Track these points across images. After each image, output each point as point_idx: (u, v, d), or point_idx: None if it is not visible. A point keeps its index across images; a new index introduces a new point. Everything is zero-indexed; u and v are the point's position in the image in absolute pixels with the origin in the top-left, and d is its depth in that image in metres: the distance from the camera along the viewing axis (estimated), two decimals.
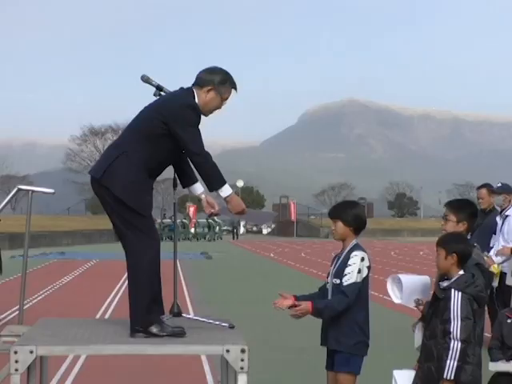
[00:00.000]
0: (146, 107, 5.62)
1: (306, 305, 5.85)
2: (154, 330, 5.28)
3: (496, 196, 11.15)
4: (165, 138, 5.40)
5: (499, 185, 11.17)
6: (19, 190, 8.99)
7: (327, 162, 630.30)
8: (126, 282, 5.67)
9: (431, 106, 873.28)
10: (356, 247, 5.90)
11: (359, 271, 5.78)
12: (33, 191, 8.64)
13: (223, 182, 5.39)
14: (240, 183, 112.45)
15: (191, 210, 75.86)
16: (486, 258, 8.64)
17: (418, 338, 5.84)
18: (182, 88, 5.60)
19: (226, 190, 5.40)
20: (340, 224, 5.95)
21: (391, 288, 6.03)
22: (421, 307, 5.74)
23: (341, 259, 5.92)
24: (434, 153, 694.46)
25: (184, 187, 5.88)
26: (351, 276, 5.77)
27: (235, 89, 5.66)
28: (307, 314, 5.86)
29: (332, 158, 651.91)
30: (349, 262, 5.82)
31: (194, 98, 5.50)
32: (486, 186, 11.45)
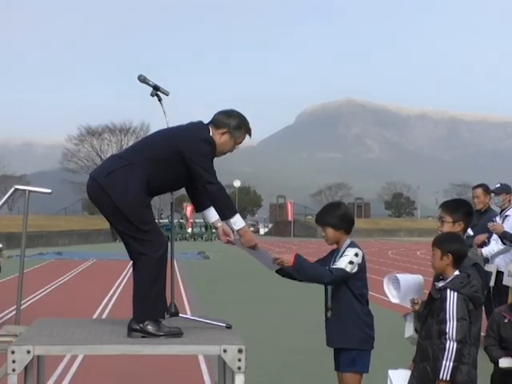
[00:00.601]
0: (161, 131, 5.72)
1: (289, 256, 5.83)
2: (150, 329, 5.29)
3: (495, 196, 11.17)
4: (174, 163, 5.47)
5: (498, 185, 11.19)
6: (16, 189, 8.98)
7: (324, 162, 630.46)
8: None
9: (428, 106, 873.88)
10: (352, 245, 5.94)
11: (350, 262, 5.80)
12: (30, 191, 8.64)
13: (235, 212, 5.50)
14: (237, 183, 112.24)
15: (188, 209, 75.78)
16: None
17: (408, 328, 5.85)
18: (200, 121, 5.69)
19: (238, 223, 5.52)
20: (330, 230, 5.97)
21: (387, 287, 6.03)
22: (416, 306, 5.75)
23: (337, 258, 5.94)
24: (430, 153, 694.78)
25: (197, 211, 6.00)
26: (341, 263, 5.80)
27: (249, 134, 5.76)
28: (287, 264, 5.80)
29: (329, 158, 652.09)
30: (343, 255, 5.86)
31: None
32: (482, 185, 11.47)
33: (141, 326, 5.30)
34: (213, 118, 5.66)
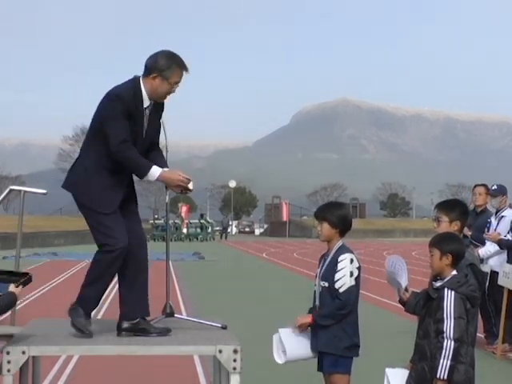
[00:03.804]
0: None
1: (307, 317, 5.87)
2: (142, 323, 5.38)
3: (493, 198, 11.20)
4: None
5: (495, 187, 11.23)
6: (11, 190, 8.98)
7: (320, 163, 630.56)
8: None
9: (423, 107, 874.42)
10: (342, 249, 5.88)
11: (351, 274, 5.77)
12: (25, 191, 8.63)
13: (148, 168, 5.40)
14: (232, 183, 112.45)
15: (183, 210, 75.71)
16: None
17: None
18: (130, 78, 5.60)
19: (153, 174, 5.42)
20: (326, 225, 5.93)
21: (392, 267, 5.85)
22: (407, 294, 5.68)
23: (328, 261, 5.90)
24: (426, 153, 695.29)
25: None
26: (345, 280, 5.75)
27: (185, 69, 5.58)
28: (309, 323, 5.87)
29: (324, 159, 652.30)
30: (338, 267, 5.79)
31: (139, 86, 5.45)
32: (485, 185, 11.54)
33: (133, 323, 5.36)
34: (144, 67, 5.57)
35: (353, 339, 5.85)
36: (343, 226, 5.94)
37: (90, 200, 5.43)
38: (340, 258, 5.81)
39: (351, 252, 5.88)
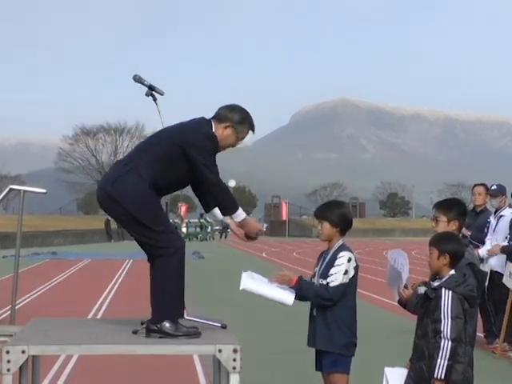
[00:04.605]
0: (163, 130, 5.69)
1: (293, 276, 5.83)
2: (167, 329, 5.30)
3: (492, 198, 11.21)
4: (178, 161, 5.46)
5: (494, 187, 11.23)
6: (11, 189, 8.99)
7: (319, 162, 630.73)
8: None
9: (423, 106, 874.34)
10: (342, 248, 5.87)
11: (346, 272, 5.75)
12: (25, 191, 8.64)
13: (236, 208, 5.54)
14: (232, 183, 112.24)
15: (183, 209, 75.66)
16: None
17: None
18: (202, 117, 5.66)
19: (240, 216, 5.57)
20: (326, 224, 5.93)
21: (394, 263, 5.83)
22: (407, 291, 5.68)
23: (327, 259, 5.89)
24: (425, 153, 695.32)
25: (207, 212, 5.95)
26: (337, 277, 5.74)
27: (253, 130, 5.73)
28: (288, 283, 5.80)
29: (324, 158, 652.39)
30: (336, 263, 5.79)
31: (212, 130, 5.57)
32: (484, 185, 11.54)
33: (158, 326, 5.32)
34: (216, 113, 5.66)
35: (350, 338, 5.86)
36: (344, 225, 5.94)
37: (147, 218, 5.41)
38: (339, 255, 5.81)
39: (350, 251, 5.88)
